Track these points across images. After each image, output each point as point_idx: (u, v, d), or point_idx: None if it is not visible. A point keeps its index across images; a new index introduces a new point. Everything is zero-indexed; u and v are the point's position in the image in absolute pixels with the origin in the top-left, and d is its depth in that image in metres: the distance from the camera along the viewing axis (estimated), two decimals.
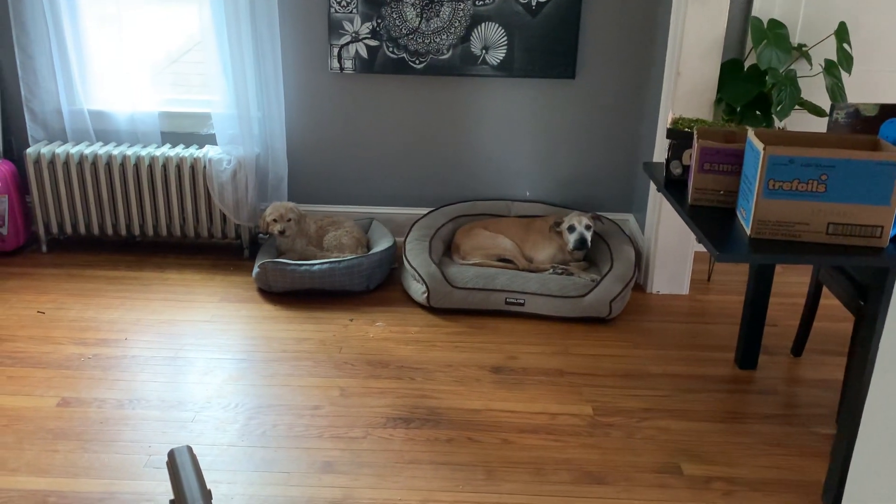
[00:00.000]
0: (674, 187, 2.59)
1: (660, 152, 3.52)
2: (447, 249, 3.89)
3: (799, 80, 3.32)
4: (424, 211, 4.00)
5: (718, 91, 3.39)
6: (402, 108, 4.03)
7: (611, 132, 4.04)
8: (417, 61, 3.89)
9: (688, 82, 3.36)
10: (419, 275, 3.49)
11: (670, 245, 3.62)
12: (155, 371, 2.96)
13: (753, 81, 3.35)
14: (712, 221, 2.28)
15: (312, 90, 4.00)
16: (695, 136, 2.43)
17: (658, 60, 3.67)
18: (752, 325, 3.01)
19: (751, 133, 2.19)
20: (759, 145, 2.06)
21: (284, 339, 3.22)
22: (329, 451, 2.53)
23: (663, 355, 3.17)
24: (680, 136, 2.57)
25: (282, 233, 3.74)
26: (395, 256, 3.81)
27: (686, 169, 2.60)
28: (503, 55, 3.87)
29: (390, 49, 3.87)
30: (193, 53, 4.00)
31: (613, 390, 2.91)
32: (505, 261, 3.71)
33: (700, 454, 2.56)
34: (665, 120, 3.46)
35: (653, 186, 3.64)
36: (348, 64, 3.91)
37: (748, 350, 3.06)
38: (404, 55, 3.88)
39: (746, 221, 2.16)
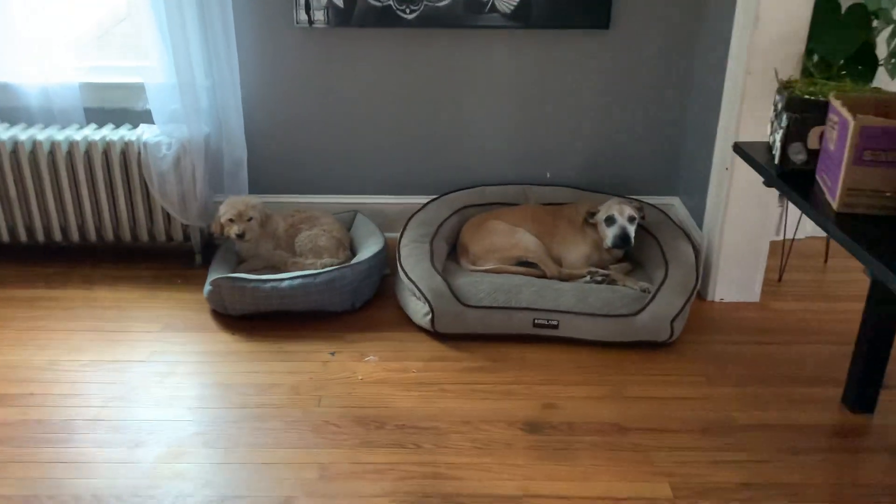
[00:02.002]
0: (793, 181, 1.79)
1: (728, 123, 2.70)
2: (452, 250, 3.09)
3: None
4: (422, 201, 3.18)
5: (809, 40, 2.57)
6: (390, 70, 3.17)
7: (653, 96, 3.21)
8: (408, 10, 3.03)
9: (770, 30, 2.54)
10: (420, 291, 2.68)
11: (740, 239, 2.84)
12: (65, 446, 2.16)
13: (856, 27, 2.53)
14: (886, 240, 1.48)
15: (274, 51, 3.13)
16: (837, 109, 1.62)
17: (721, 2, 2.84)
18: (872, 357, 2.24)
19: None
20: None
21: (245, 386, 2.42)
22: None
23: (748, 395, 2.40)
24: (808, 107, 1.75)
25: (241, 236, 2.92)
26: (386, 261, 3.00)
27: (813, 155, 1.79)
28: (518, 0, 3.02)
29: None
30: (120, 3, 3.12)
31: (694, 454, 2.14)
32: (527, 265, 2.92)
33: None
34: (737, 79, 2.64)
35: (716, 164, 2.83)
36: (319, 15, 3.05)
37: (864, 389, 2.29)
38: (391, 2, 3.02)
39: None
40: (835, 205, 1.62)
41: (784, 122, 1.81)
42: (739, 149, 2.04)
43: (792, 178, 1.80)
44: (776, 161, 1.86)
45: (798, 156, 1.79)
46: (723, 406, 2.34)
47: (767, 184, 1.89)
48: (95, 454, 2.13)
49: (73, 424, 2.25)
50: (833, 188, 1.63)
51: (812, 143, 1.77)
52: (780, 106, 1.88)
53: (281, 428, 2.23)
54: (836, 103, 1.65)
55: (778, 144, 1.84)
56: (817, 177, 1.76)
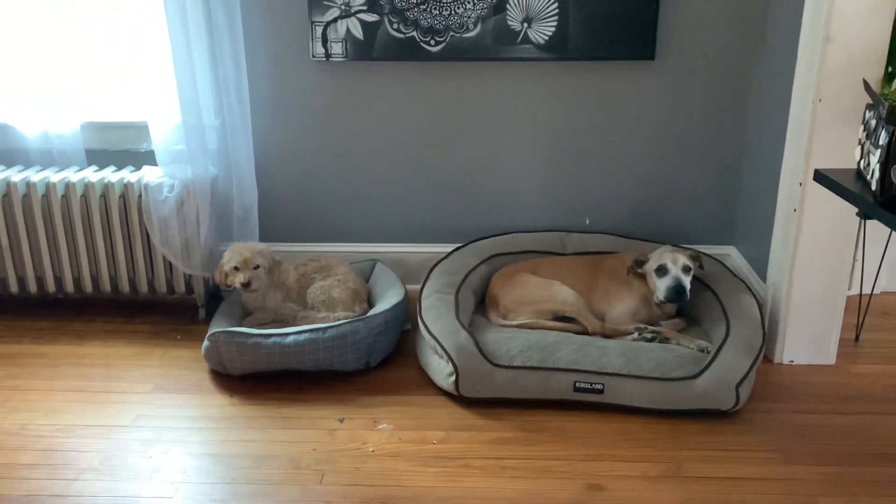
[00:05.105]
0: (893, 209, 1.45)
1: (796, 159, 2.37)
2: (481, 303, 2.76)
3: None
4: (447, 249, 2.87)
5: (889, 63, 2.25)
6: (413, 108, 2.92)
7: (706, 132, 2.90)
8: (433, 41, 2.79)
9: (842, 51, 2.22)
10: (442, 347, 2.35)
11: (812, 292, 2.47)
12: None
13: None
14: None
15: (289, 87, 2.90)
16: None
17: (781, 24, 2.54)
18: None
19: None
20: None
21: (238, 457, 2.09)
22: None
23: (833, 476, 2.00)
24: None
25: (246, 285, 2.63)
26: (407, 315, 2.68)
27: None
28: (552, 30, 2.76)
29: (395, 25, 2.77)
30: (124, 37, 2.91)
31: None
32: (565, 320, 2.57)
33: None
34: (804, 107, 2.32)
35: (782, 206, 2.49)
36: (337, 48, 2.82)
37: None
38: (414, 33, 2.78)
39: None
40: None
41: (883, 139, 1.47)
42: (822, 176, 1.70)
43: (892, 207, 1.46)
44: (873, 188, 1.52)
45: None
46: (803, 489, 1.94)
47: (864, 215, 1.55)
48: None
49: (36, 501, 1.93)
50: None
51: None
52: (873, 123, 1.55)
53: None
54: None
55: (875, 167, 1.50)
56: None
